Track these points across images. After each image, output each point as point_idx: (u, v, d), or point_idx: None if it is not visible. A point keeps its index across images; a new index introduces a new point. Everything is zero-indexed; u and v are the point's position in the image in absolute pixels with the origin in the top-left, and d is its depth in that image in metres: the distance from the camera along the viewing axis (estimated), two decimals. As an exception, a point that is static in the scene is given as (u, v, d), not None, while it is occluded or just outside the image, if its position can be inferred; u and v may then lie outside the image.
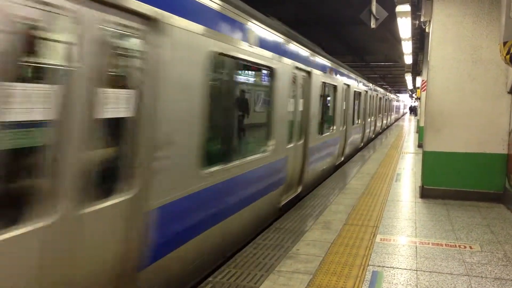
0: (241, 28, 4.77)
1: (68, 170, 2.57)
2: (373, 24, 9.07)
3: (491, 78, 7.42)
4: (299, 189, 7.69)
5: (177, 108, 3.60)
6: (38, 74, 2.62)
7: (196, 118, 3.91)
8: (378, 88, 23.47)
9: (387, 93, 33.42)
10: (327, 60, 9.09)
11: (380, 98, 24.26)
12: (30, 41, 2.43)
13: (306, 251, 4.86)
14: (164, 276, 3.62)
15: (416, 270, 4.44)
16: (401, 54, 19.35)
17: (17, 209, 2.32)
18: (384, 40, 19.54)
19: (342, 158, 11.98)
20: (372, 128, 19.74)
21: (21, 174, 2.57)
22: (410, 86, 39.96)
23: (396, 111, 49.44)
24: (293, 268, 4.39)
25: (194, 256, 4.12)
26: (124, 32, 3.02)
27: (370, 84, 18.81)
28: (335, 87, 10.03)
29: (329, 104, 10.05)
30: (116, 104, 3.10)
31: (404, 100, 74.70)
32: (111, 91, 2.97)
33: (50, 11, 2.39)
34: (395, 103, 46.19)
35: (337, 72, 10.25)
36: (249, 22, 5.01)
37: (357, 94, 14.06)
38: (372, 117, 19.72)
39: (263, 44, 5.42)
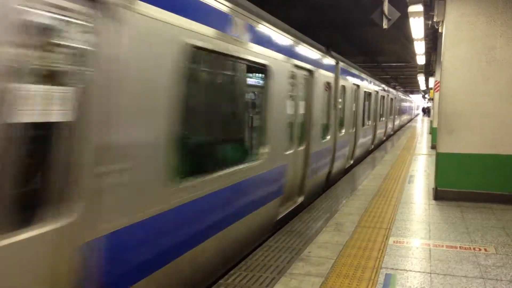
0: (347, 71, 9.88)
1: (296, 133, 6.68)
2: (385, 25, 9.00)
3: (505, 78, 7.32)
4: (351, 162, 11.56)
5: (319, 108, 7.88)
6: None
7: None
8: (391, 90, 23.20)
9: (399, 93, 32.23)
10: (367, 76, 13.32)
11: (400, 100, 29.46)
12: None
13: (317, 254, 4.84)
14: (312, 182, 7.70)
15: (430, 273, 4.39)
16: (413, 55, 19.20)
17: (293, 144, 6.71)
18: (396, 40, 19.38)
19: (372, 146, 15.82)
20: (391, 126, 23.38)
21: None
22: (423, 86, 39.67)
23: (408, 112, 47.53)
24: (305, 270, 4.37)
25: (335, 173, 9.69)
26: (304, 77, 7.07)
27: (383, 85, 19.11)
28: (369, 93, 14.09)
29: (367, 106, 13.96)
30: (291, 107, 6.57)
31: (414, 101, 73.18)
32: (289, 102, 6.32)
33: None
34: (408, 104, 45.05)
35: (371, 82, 14.20)
36: (352, 69, 10.55)
37: (382, 97, 17.92)
38: (391, 116, 23.27)
39: (350, 75, 10.59)
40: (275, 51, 5.59)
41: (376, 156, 13.91)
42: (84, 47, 2.56)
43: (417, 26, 11.02)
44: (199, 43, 3.75)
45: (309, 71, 7.26)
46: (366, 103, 13.98)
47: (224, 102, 4.96)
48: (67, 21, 2.47)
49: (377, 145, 17.62)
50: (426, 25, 10.96)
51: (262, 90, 5.43)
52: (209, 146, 4.53)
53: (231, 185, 4.46)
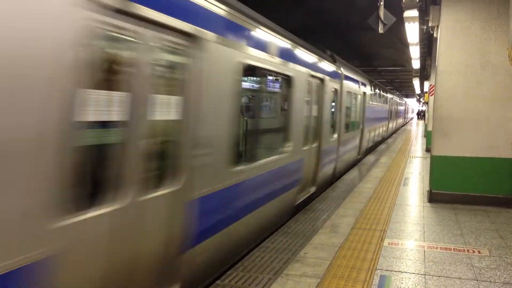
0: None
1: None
2: (381, 29, 9.09)
3: (499, 82, 7.41)
4: (313, 189, 8.25)
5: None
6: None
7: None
8: (386, 94, 22.09)
9: (395, 97, 28.19)
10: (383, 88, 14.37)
11: (396, 104, 27.04)
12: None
13: (314, 255, 4.89)
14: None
15: (424, 275, 4.44)
16: (409, 59, 19.35)
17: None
18: (392, 45, 19.52)
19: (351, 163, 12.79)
20: (381, 131, 21.06)
21: None
22: (418, 90, 39.90)
23: (402, 116, 41.02)
24: (301, 271, 4.41)
25: (283, 211, 6.77)
26: (178, 47, 3.60)
27: (375, 87, 17.70)
28: (348, 93, 11.12)
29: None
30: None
31: (408, 104, 72.46)
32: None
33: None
34: (402, 108, 41.34)
35: (350, 79, 11.49)
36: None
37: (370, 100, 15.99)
38: (380, 123, 20.25)
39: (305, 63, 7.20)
40: None
41: (352, 177, 10.11)
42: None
43: (412, 31, 11.13)
44: None
45: (190, 36, 3.67)
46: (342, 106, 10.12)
47: None
48: None
49: (358, 160, 13.65)
50: (421, 30, 11.06)
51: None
52: None
53: None
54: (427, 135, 17.56)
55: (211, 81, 4.04)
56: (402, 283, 4.22)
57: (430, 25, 8.45)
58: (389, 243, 5.39)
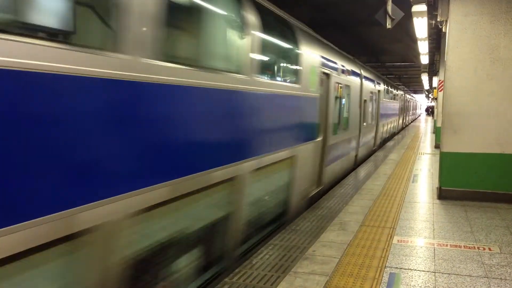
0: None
1: None
2: (388, 25, 9.00)
3: (509, 77, 7.32)
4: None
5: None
6: None
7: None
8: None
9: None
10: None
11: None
12: None
13: (322, 252, 4.87)
14: None
15: (434, 272, 4.40)
16: (417, 54, 19.19)
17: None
18: (400, 40, 19.37)
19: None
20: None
21: None
22: (426, 86, 39.61)
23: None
24: (310, 269, 4.39)
25: None
26: None
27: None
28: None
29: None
30: None
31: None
32: None
33: None
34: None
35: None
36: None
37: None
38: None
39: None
40: None
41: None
42: None
43: (420, 26, 11.02)
44: None
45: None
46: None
47: None
48: None
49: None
50: (429, 24, 10.95)
51: None
52: None
53: None
54: (436, 131, 17.43)
55: None
56: (412, 280, 4.19)
57: (438, 19, 8.35)
58: (398, 241, 5.35)
